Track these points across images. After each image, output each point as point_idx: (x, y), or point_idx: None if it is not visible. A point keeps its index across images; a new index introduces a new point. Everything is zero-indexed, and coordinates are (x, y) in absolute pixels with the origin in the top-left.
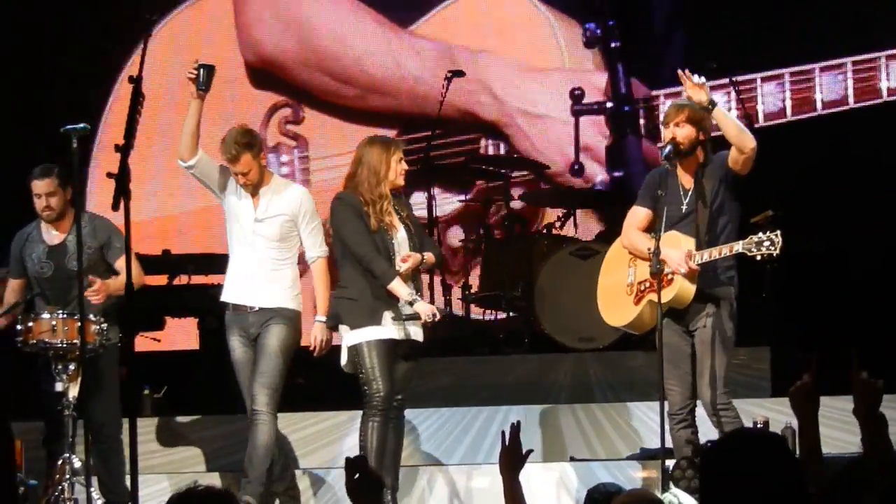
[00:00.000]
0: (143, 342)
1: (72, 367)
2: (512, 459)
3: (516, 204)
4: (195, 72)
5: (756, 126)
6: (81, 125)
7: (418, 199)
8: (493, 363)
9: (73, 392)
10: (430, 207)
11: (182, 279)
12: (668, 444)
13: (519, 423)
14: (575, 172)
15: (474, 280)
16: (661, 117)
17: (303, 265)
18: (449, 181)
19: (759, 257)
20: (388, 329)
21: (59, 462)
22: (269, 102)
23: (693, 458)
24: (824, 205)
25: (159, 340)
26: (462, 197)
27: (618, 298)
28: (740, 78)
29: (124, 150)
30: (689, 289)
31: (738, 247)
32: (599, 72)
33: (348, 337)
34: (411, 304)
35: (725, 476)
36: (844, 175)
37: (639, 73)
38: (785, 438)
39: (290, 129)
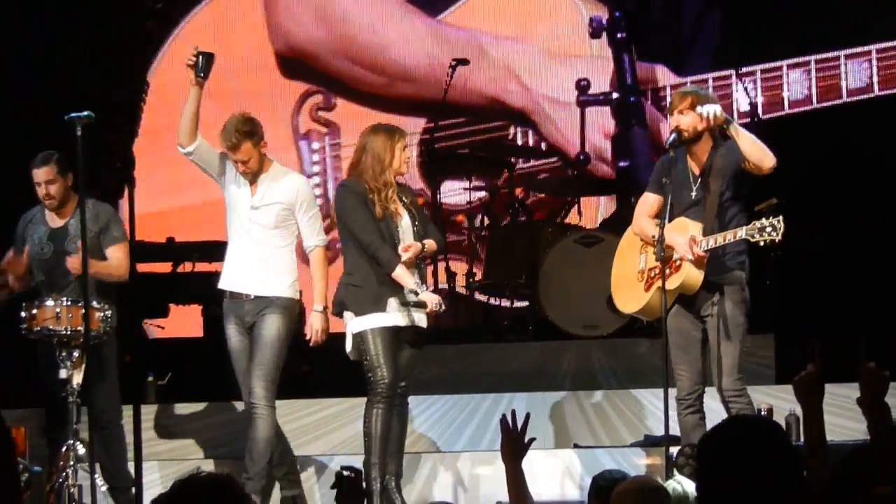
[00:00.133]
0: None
1: (76, 353)
2: (515, 448)
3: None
4: (194, 58)
5: (781, 114)
6: (86, 113)
7: (452, 187)
8: (498, 350)
9: (78, 379)
10: (434, 195)
11: (186, 266)
12: (672, 431)
13: (528, 414)
14: (580, 162)
15: (478, 268)
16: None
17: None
18: (455, 170)
19: (762, 243)
20: (392, 316)
21: (64, 449)
22: (301, 90)
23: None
24: (833, 195)
25: (163, 327)
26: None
27: (630, 285)
28: (767, 66)
29: (128, 138)
30: (697, 275)
31: (742, 233)
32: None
33: (353, 324)
34: (416, 293)
35: (723, 463)
36: (857, 167)
37: (666, 59)
38: (781, 425)
39: (321, 116)
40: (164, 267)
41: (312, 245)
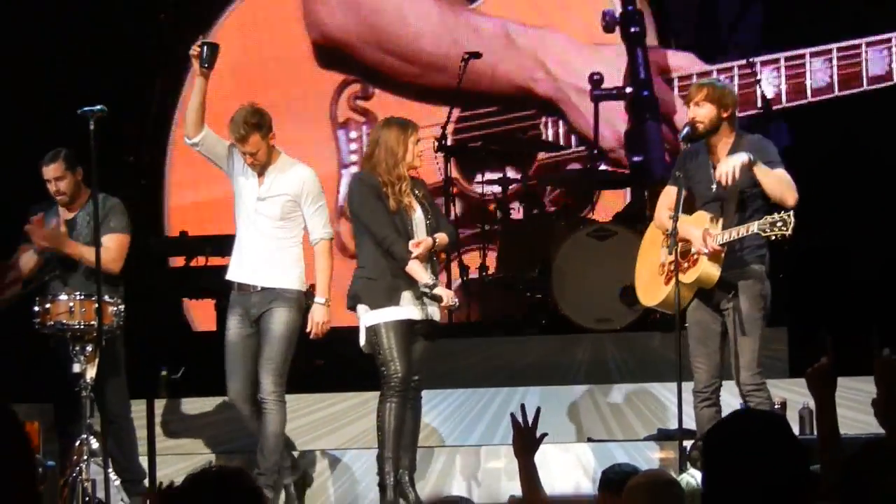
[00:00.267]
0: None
1: (89, 348)
2: (527, 442)
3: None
4: (198, 49)
5: (803, 102)
6: (98, 107)
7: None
8: (511, 344)
9: (91, 373)
10: (446, 188)
11: (199, 261)
12: (686, 424)
13: (539, 409)
14: (594, 157)
15: (491, 261)
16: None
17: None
18: (468, 160)
19: (773, 237)
20: (406, 309)
21: (77, 443)
22: (339, 80)
23: None
24: (846, 187)
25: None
26: (479, 178)
27: (651, 278)
28: (789, 53)
29: (140, 135)
30: (713, 270)
31: (754, 227)
32: (653, 48)
33: (367, 317)
34: (431, 287)
35: (728, 457)
36: (871, 158)
37: (695, 47)
38: (787, 420)
39: (359, 105)
40: (177, 261)
41: (318, 238)
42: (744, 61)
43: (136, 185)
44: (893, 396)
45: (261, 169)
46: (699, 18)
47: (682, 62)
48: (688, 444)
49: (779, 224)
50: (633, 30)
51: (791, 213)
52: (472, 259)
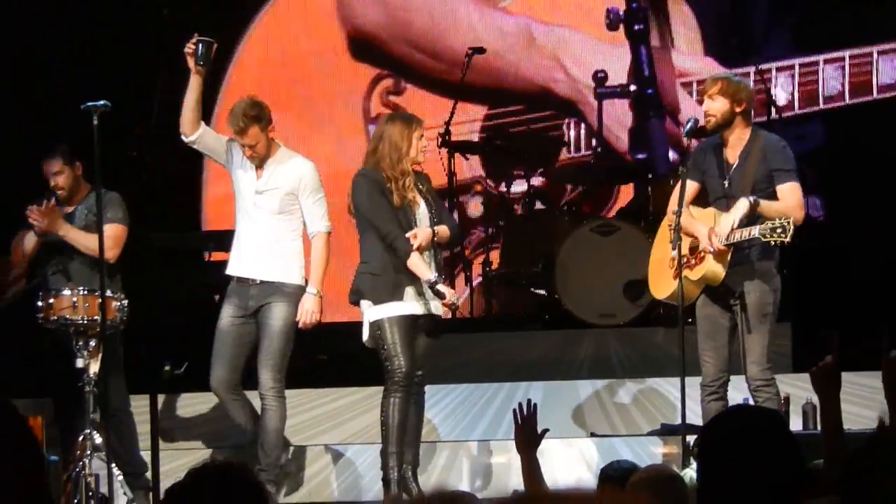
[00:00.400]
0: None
1: (92, 343)
2: (528, 438)
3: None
4: (193, 46)
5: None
6: (102, 102)
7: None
8: (514, 339)
9: (94, 368)
10: (450, 183)
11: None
12: (689, 420)
13: (536, 404)
14: (598, 155)
15: (495, 257)
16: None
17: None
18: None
19: (773, 242)
20: (409, 304)
21: (81, 438)
22: (373, 74)
23: None
24: (850, 184)
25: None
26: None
27: (662, 271)
28: (804, 60)
29: (143, 131)
30: (719, 269)
31: (756, 231)
32: (674, 51)
33: (370, 312)
34: (433, 284)
35: (723, 454)
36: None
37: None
38: (782, 416)
39: (391, 100)
40: (216, 255)
41: (315, 231)
42: (758, 66)
43: (138, 180)
44: None
45: (259, 162)
46: (729, 25)
47: (702, 66)
48: (691, 439)
49: (779, 230)
50: (636, 27)
51: (791, 220)
52: (495, 257)
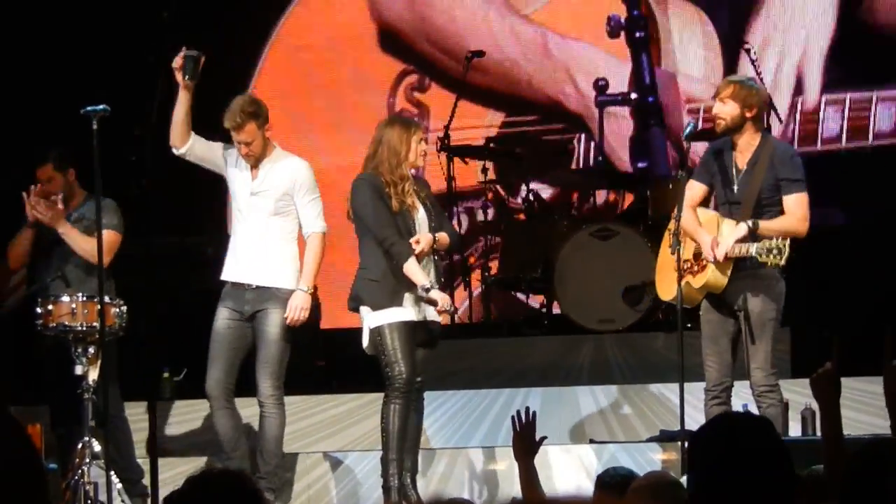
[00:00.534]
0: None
1: (91, 350)
2: (526, 445)
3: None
4: (181, 61)
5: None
6: (101, 106)
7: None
8: (513, 345)
9: (93, 375)
10: (449, 188)
11: None
12: (688, 426)
13: (535, 412)
14: (598, 164)
15: (494, 262)
16: None
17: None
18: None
19: (768, 263)
20: (409, 311)
21: (80, 446)
22: (399, 69)
23: None
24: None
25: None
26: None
27: (668, 273)
28: (856, 95)
29: (141, 133)
30: (720, 278)
31: (753, 249)
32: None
33: (370, 318)
34: (427, 290)
35: (712, 460)
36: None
37: None
38: (771, 422)
39: (414, 97)
40: None
41: (310, 231)
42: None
43: (138, 184)
44: None
45: (255, 162)
46: None
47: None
48: None
49: (774, 252)
50: (637, 35)
51: (787, 242)
52: (494, 262)
